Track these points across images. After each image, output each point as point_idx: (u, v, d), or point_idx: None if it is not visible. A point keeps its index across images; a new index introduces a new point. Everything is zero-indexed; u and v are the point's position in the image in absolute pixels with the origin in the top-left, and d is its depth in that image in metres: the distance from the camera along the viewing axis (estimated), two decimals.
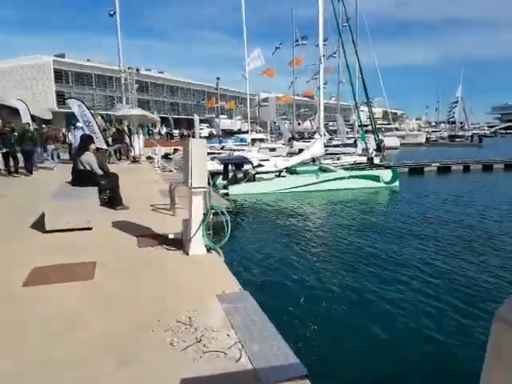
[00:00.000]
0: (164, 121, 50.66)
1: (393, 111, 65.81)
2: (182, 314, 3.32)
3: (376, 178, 18.44)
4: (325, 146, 20.72)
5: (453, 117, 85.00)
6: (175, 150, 30.31)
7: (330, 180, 17.57)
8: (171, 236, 5.36)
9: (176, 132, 53.54)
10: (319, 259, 8.43)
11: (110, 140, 19.66)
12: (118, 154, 19.50)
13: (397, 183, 18.77)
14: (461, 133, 73.55)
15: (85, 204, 6.21)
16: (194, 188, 4.87)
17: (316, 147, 18.66)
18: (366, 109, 26.50)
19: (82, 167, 7.58)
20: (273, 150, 28.94)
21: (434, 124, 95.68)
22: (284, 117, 55.49)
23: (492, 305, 6.12)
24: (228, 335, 2.97)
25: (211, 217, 5.07)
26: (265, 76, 34.69)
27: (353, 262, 8.20)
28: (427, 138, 64.43)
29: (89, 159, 7.61)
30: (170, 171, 17.82)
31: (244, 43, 25.43)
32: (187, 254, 4.88)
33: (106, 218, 6.60)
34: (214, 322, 3.20)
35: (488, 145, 54.24)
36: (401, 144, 49.54)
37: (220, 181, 17.02)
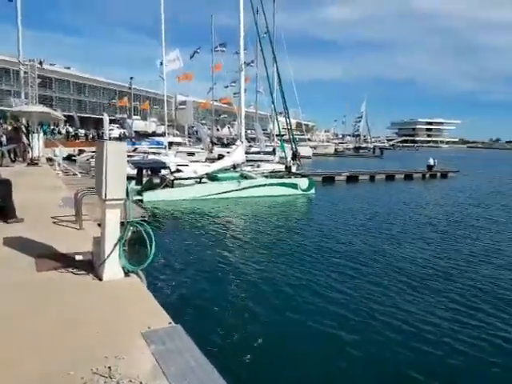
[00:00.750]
0: (69, 119, 46.41)
1: (305, 123, 69.07)
2: (98, 363, 2.62)
3: (294, 186, 18.86)
4: (245, 153, 20.60)
5: (357, 130, 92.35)
6: (80, 150, 27.89)
7: (251, 187, 17.48)
8: (79, 257, 4.50)
9: (82, 132, 49.50)
10: (249, 273, 7.95)
11: (3, 139, 17.17)
12: (12, 155, 17.07)
13: (313, 191, 19.43)
14: (364, 145, 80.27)
15: None
16: (109, 200, 4.10)
17: (237, 154, 18.45)
18: (282, 119, 27.11)
19: None
20: (191, 154, 28.10)
21: (340, 136, 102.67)
22: (203, 122, 54.72)
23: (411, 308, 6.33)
24: None
25: (129, 234, 4.34)
26: (182, 81, 33.76)
27: (280, 273, 7.94)
28: (336, 149, 69.14)
29: None
30: (74, 175, 16.18)
31: (162, 43, 24.35)
32: (100, 280, 4.08)
33: None
34: (141, 370, 2.57)
35: (388, 156, 59.90)
36: (313, 154, 52.15)
37: (133, 186, 15.77)
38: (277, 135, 34.04)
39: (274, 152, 29.47)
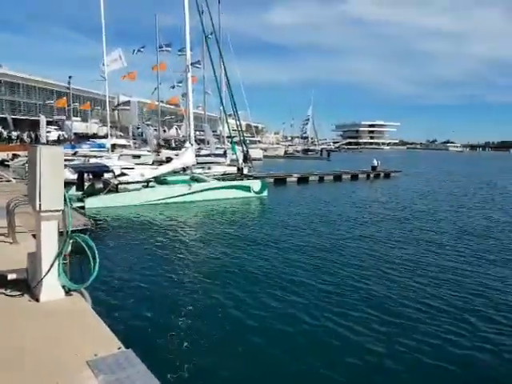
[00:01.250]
0: (1, 121, 42.94)
1: (255, 125, 69.41)
2: None
3: (247, 188, 18.71)
4: (195, 156, 20.11)
5: (305, 133, 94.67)
6: (14, 155, 26.00)
7: (203, 190, 17.05)
8: (12, 276, 3.96)
9: (16, 134, 46.07)
10: (203, 287, 7.41)
11: None
12: None
13: (265, 193, 19.42)
14: (312, 147, 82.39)
15: None
16: (45, 212, 3.64)
17: (187, 156, 17.93)
18: (232, 121, 26.92)
19: None
20: (137, 157, 26.97)
21: (289, 138, 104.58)
22: (148, 123, 52.89)
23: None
24: None
25: (69, 248, 3.88)
26: (126, 79, 32.52)
27: (233, 285, 7.54)
28: (285, 151, 70.23)
29: None
30: (8, 181, 15.03)
31: (103, 42, 23.28)
32: (37, 301, 3.61)
33: None
34: None
35: (334, 158, 61.88)
36: (263, 156, 52.47)
37: (73, 192, 14.77)
38: (227, 137, 33.79)
39: (225, 154, 29.15)
